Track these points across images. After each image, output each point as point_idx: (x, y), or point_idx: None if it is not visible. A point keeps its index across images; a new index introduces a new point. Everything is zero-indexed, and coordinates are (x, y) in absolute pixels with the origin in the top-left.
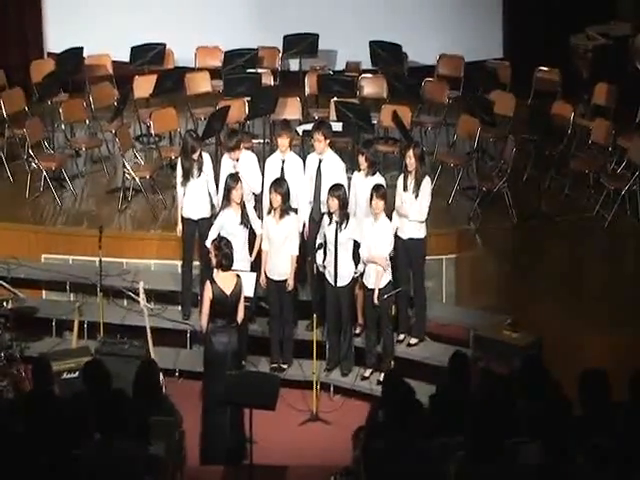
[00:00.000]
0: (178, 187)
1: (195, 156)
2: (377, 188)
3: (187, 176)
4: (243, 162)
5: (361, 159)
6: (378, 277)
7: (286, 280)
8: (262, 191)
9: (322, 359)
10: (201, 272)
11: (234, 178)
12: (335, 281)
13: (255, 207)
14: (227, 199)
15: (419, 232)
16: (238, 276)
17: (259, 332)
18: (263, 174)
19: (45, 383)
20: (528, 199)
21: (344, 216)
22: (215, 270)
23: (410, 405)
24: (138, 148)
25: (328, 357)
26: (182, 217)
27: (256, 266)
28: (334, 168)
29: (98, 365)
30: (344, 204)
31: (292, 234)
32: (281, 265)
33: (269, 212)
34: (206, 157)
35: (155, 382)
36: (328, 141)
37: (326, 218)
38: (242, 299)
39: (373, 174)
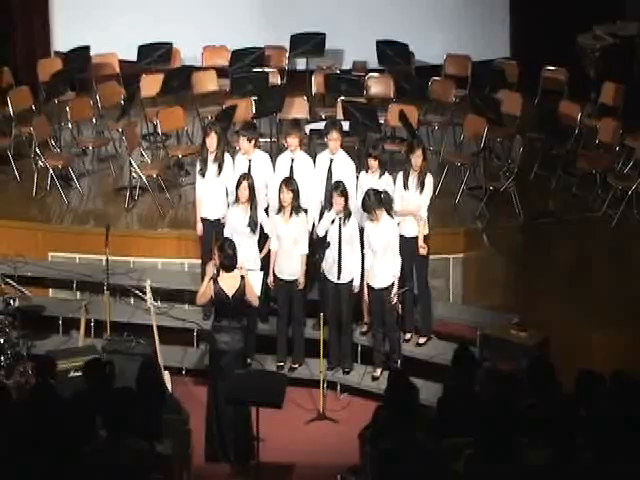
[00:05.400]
0: (197, 185)
1: (208, 142)
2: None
3: (204, 165)
4: (256, 162)
5: (373, 162)
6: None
7: (296, 280)
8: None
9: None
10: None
11: (243, 177)
12: (339, 277)
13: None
14: (236, 197)
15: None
16: (242, 277)
17: (267, 331)
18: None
19: (48, 379)
20: (535, 198)
21: (347, 211)
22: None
23: (414, 404)
24: (145, 147)
25: (330, 355)
26: (201, 217)
27: (266, 266)
28: (345, 168)
29: (100, 363)
30: (347, 199)
31: (302, 234)
32: (291, 265)
33: (279, 211)
34: (227, 157)
35: (156, 380)
36: (340, 140)
37: (329, 215)
38: (250, 296)
39: (382, 175)
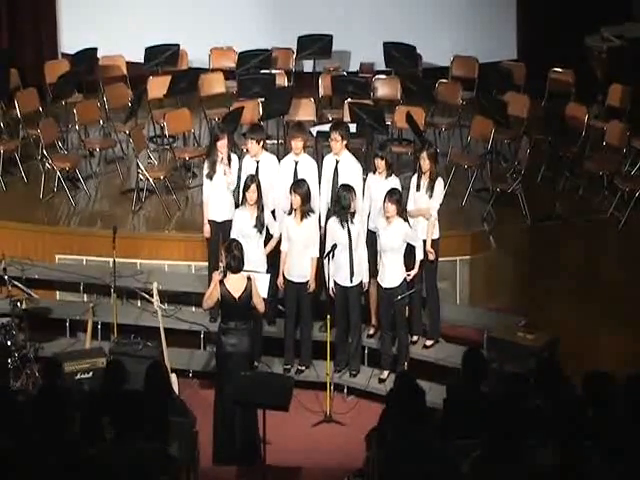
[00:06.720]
0: (204, 187)
1: (220, 146)
2: (391, 192)
3: (213, 168)
4: (264, 164)
5: (380, 163)
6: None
7: (305, 282)
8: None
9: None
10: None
11: (251, 179)
12: (351, 279)
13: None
14: (243, 199)
15: (433, 233)
16: (249, 279)
17: (274, 333)
18: None
19: (54, 380)
20: (542, 200)
21: (352, 212)
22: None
23: (420, 407)
24: (152, 149)
25: (337, 358)
26: (208, 219)
27: (272, 268)
28: (351, 169)
29: (119, 365)
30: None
31: (313, 236)
32: (301, 267)
33: (290, 213)
34: (233, 157)
35: (163, 382)
36: (345, 142)
37: (335, 219)
38: (256, 301)
39: (389, 176)
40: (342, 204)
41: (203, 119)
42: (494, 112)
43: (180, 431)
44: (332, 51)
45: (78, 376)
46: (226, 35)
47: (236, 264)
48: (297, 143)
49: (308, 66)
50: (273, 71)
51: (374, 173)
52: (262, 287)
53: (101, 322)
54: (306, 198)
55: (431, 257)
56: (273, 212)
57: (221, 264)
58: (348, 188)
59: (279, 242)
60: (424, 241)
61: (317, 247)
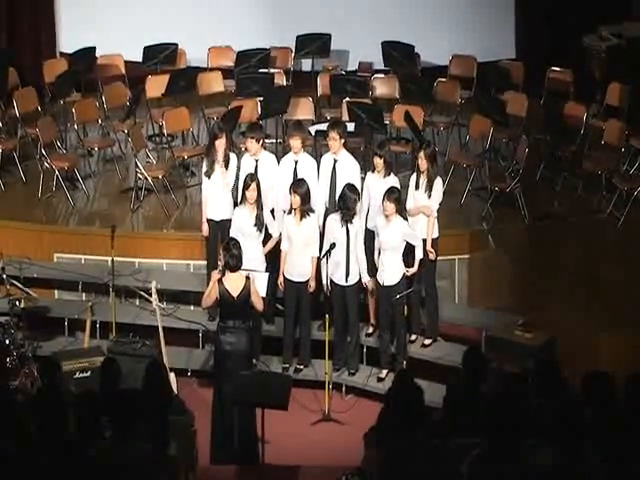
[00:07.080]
0: (203, 186)
1: (218, 145)
2: (390, 191)
3: (211, 166)
4: (263, 163)
5: (378, 161)
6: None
7: (305, 281)
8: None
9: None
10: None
11: (250, 177)
12: (347, 279)
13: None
14: (243, 198)
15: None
16: (247, 278)
17: (273, 332)
18: None
19: (54, 380)
20: (541, 199)
21: (353, 213)
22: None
23: (419, 405)
24: (150, 148)
25: (336, 357)
26: (206, 218)
27: (271, 267)
28: (349, 168)
29: (112, 364)
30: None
31: (313, 236)
32: (301, 266)
33: (289, 212)
34: (232, 157)
35: (162, 381)
36: (343, 141)
37: (335, 217)
38: (254, 299)
39: (388, 175)
40: (347, 204)
41: (202, 118)
42: (493, 111)
43: (179, 430)
44: (331, 50)
45: (76, 375)
46: (225, 34)
47: (235, 263)
48: (295, 142)
49: (307, 65)
50: (272, 70)
51: (373, 172)
52: (261, 286)
53: (99, 321)
54: (306, 198)
55: (431, 257)
56: (272, 211)
57: (220, 263)
58: (354, 189)
59: (278, 242)
60: (424, 240)
61: (317, 246)
